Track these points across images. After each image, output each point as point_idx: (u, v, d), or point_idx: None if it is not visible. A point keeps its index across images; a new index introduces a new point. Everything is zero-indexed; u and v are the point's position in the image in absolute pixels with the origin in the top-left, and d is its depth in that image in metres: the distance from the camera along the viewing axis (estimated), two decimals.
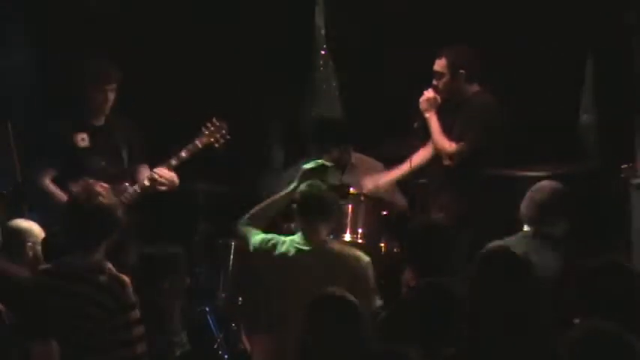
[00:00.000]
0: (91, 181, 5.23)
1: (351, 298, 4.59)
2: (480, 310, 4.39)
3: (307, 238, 5.92)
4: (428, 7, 8.04)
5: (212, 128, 7.09)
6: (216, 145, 7.07)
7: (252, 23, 8.39)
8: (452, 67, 7.02)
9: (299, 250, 5.94)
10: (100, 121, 7.08)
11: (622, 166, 6.92)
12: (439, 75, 7.03)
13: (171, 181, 6.98)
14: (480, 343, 4.31)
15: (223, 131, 7.09)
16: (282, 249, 5.98)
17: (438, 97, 7.09)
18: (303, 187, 6.05)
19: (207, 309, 6.56)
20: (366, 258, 5.94)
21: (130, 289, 5.03)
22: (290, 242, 5.97)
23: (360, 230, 7.00)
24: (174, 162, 7.00)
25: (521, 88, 7.70)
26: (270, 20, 8.39)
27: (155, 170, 6.98)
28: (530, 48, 7.91)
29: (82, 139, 7.00)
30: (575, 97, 7.74)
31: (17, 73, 7.97)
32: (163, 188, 6.98)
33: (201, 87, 8.26)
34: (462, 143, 6.94)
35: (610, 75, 7.48)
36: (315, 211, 5.93)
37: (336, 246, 6.09)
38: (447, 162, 7.03)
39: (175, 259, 5.38)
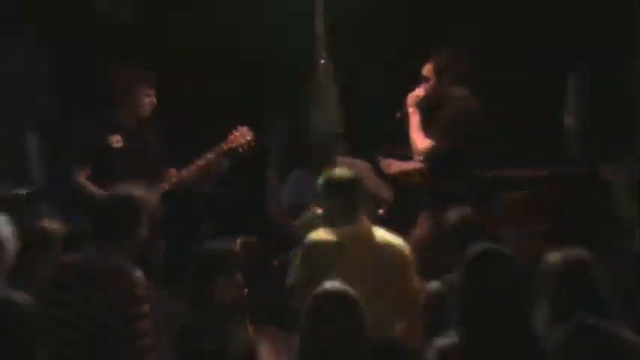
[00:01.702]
0: (121, 181, 5.32)
1: (352, 291, 4.43)
2: (471, 306, 4.31)
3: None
4: (423, 15, 8.01)
5: (238, 135, 7.08)
6: (241, 150, 7.05)
7: (254, 32, 8.36)
8: (437, 71, 6.98)
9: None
10: (134, 124, 6.98)
11: (601, 167, 6.85)
12: (426, 79, 7.02)
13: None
14: (472, 338, 4.22)
15: (248, 138, 7.07)
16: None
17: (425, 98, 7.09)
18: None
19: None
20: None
21: (144, 284, 5.02)
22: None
23: None
24: (201, 163, 6.99)
25: (510, 93, 7.71)
26: (272, 29, 8.34)
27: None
28: (519, 57, 7.99)
29: (117, 141, 6.90)
30: (560, 103, 7.68)
31: (37, 79, 7.94)
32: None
33: (207, 94, 8.27)
34: (433, 144, 6.92)
35: (592, 81, 7.42)
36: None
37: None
38: (417, 157, 7.04)
39: (228, 256, 5.29)
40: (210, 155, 6.94)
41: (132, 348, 4.94)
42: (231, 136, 7.05)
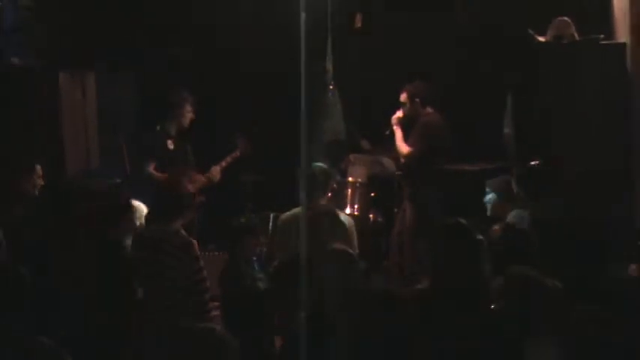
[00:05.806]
0: (180, 172, 5.28)
1: (352, 251, 4.47)
2: (439, 262, 4.31)
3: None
4: (400, 58, 8.06)
5: (243, 145, 7.34)
6: (244, 157, 7.34)
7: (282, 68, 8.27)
8: (410, 97, 7.09)
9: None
10: (180, 132, 7.26)
11: (531, 163, 6.81)
12: (403, 103, 7.13)
13: (216, 177, 7.21)
14: (440, 285, 4.22)
15: (250, 148, 7.34)
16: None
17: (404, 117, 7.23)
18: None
19: (254, 258, 6.55)
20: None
21: (196, 247, 5.03)
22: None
23: (356, 206, 7.30)
24: (223, 164, 7.25)
25: (465, 112, 7.71)
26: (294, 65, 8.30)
27: (211, 170, 7.25)
28: (470, 84, 7.96)
29: (171, 144, 7.14)
30: (500, 117, 7.64)
31: (125, 103, 8.04)
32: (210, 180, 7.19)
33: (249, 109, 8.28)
34: (412, 149, 7.02)
35: (523, 103, 7.37)
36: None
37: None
38: (402, 160, 7.17)
39: (252, 227, 5.43)
40: (227, 159, 7.21)
41: (194, 294, 4.86)
42: (240, 146, 7.26)
